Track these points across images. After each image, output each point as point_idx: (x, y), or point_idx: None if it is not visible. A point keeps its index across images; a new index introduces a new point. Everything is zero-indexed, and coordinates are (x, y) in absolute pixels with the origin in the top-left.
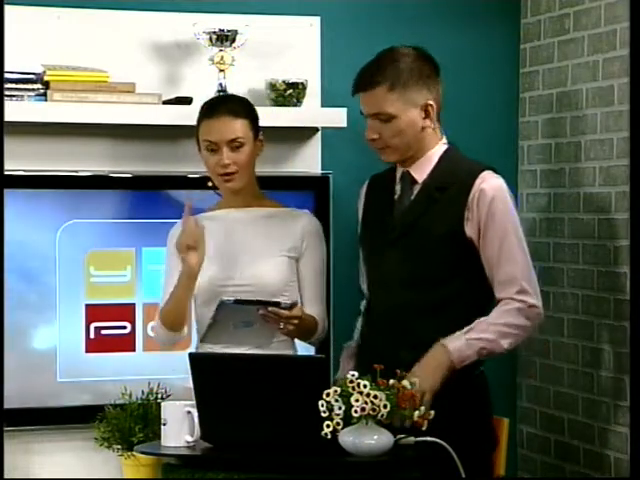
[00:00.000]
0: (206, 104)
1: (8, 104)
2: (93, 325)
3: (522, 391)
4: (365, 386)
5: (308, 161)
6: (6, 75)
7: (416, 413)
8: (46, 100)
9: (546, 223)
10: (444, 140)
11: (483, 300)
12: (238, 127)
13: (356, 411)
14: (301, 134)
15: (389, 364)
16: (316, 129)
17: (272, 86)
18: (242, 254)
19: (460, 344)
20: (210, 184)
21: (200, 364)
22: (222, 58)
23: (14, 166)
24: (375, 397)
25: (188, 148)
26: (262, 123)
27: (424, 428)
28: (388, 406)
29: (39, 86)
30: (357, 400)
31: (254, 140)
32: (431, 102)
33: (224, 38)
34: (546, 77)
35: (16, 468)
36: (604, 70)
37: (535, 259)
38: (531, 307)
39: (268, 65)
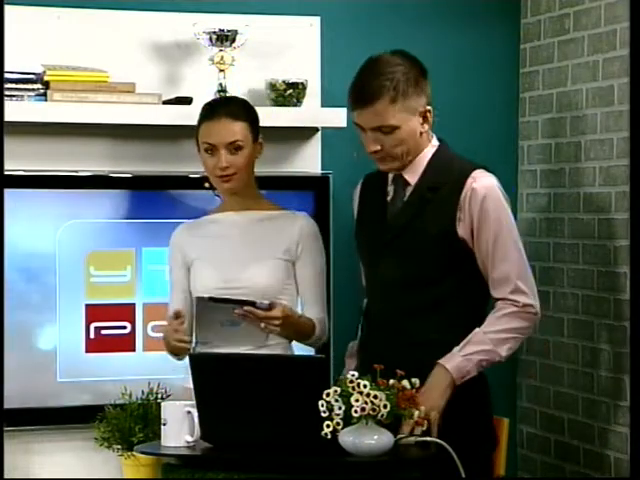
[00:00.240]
0: (206, 105)
1: (8, 104)
2: (93, 325)
3: (522, 391)
4: (365, 386)
5: (308, 161)
6: (6, 75)
7: (416, 413)
8: (46, 100)
9: (546, 223)
10: (434, 140)
11: (477, 299)
12: (237, 130)
13: (356, 411)
14: (301, 134)
15: (386, 364)
16: (316, 129)
17: (272, 86)
18: (238, 258)
19: (458, 362)
20: (207, 185)
21: (200, 364)
22: (222, 58)
23: (14, 166)
24: (375, 397)
25: (188, 148)
26: (262, 123)
27: (424, 428)
28: (388, 406)
29: (39, 86)
30: (357, 400)
31: (253, 143)
32: (429, 108)
33: (224, 38)
34: (546, 77)
35: (16, 468)
36: (604, 70)
37: (535, 259)
38: (525, 306)
39: (268, 65)
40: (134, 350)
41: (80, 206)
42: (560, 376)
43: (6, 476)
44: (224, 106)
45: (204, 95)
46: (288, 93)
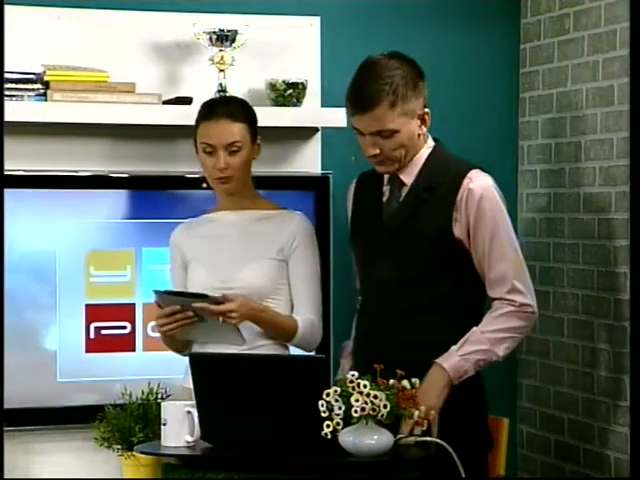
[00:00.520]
0: (205, 105)
1: (8, 104)
2: (93, 325)
3: (522, 391)
4: (365, 386)
5: (308, 161)
6: (6, 75)
7: (416, 413)
8: (46, 100)
9: (546, 223)
10: (430, 140)
11: (474, 299)
12: (236, 131)
13: (356, 411)
14: (301, 134)
15: (383, 364)
16: (316, 129)
17: (272, 86)
18: (233, 258)
19: (455, 361)
20: (205, 185)
21: (200, 364)
22: (222, 58)
23: (14, 166)
24: (375, 397)
25: (188, 148)
26: (262, 123)
27: (424, 428)
28: (388, 406)
29: (39, 86)
30: (357, 400)
31: (252, 144)
32: (427, 110)
33: (224, 38)
34: (546, 77)
35: (16, 468)
36: (604, 70)
37: (535, 259)
38: (523, 306)
39: (268, 65)
40: (134, 350)
41: (80, 206)
42: (560, 376)
43: (6, 476)
44: (223, 106)
45: (204, 95)
46: (288, 93)
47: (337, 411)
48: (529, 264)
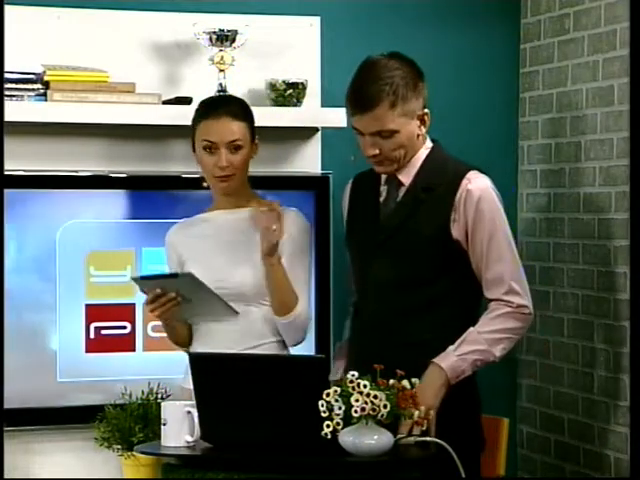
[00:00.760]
0: (205, 104)
1: (8, 104)
2: (93, 325)
3: (522, 391)
4: (365, 386)
5: (308, 161)
6: (6, 75)
7: (416, 413)
8: (46, 100)
9: (546, 223)
10: (428, 141)
11: (471, 299)
12: (237, 129)
13: (356, 411)
14: (301, 134)
15: (379, 364)
16: (316, 129)
17: (272, 86)
18: (227, 257)
19: (453, 361)
20: (206, 184)
21: (200, 364)
22: (222, 58)
23: (14, 166)
24: (375, 397)
25: (188, 148)
26: (262, 123)
27: (424, 428)
28: (388, 406)
29: (39, 86)
30: (357, 400)
31: (251, 143)
32: (427, 111)
33: (224, 38)
34: (546, 77)
35: (16, 468)
36: (604, 70)
37: (535, 259)
38: (520, 307)
39: (268, 65)
40: (134, 350)
41: (80, 206)
42: (560, 376)
43: (6, 476)
44: (224, 105)
45: (204, 95)
46: (288, 93)
47: (337, 411)
48: (529, 264)
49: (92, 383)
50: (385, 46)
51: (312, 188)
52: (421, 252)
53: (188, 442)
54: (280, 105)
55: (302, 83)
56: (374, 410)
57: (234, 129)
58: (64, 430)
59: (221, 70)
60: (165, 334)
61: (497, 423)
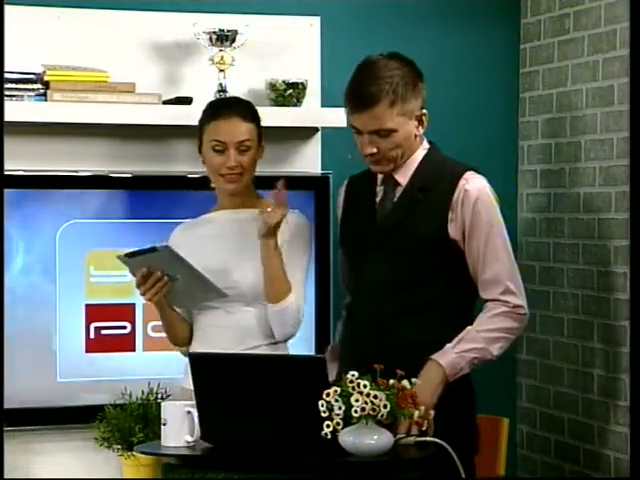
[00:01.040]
0: (214, 105)
1: (8, 104)
2: (93, 325)
3: (522, 391)
4: (365, 386)
5: (308, 161)
6: (6, 75)
7: (416, 413)
8: (46, 100)
9: (546, 223)
10: (425, 142)
11: (467, 299)
12: (247, 130)
13: (356, 411)
14: (301, 134)
15: (374, 365)
16: (316, 129)
17: (272, 86)
18: (229, 258)
19: (451, 358)
20: (213, 185)
21: (200, 364)
22: (222, 58)
23: (14, 166)
24: (375, 397)
25: (188, 148)
26: (262, 123)
27: (424, 428)
28: (388, 406)
29: (39, 86)
30: (357, 400)
31: (258, 145)
32: (425, 112)
33: (224, 38)
34: (546, 77)
35: (16, 468)
36: (604, 70)
37: (535, 259)
38: (516, 307)
39: (268, 65)
40: (134, 350)
41: (80, 206)
42: (560, 376)
43: (6, 476)
44: (234, 106)
45: (204, 95)
46: (288, 93)
47: (337, 411)
48: (529, 264)
49: (92, 383)
50: (385, 46)
51: (312, 188)
52: (418, 252)
53: (188, 442)
54: (280, 105)
55: (302, 83)
56: (374, 410)
57: (244, 130)
58: (64, 430)
59: (221, 70)
60: (165, 334)
61: (497, 423)
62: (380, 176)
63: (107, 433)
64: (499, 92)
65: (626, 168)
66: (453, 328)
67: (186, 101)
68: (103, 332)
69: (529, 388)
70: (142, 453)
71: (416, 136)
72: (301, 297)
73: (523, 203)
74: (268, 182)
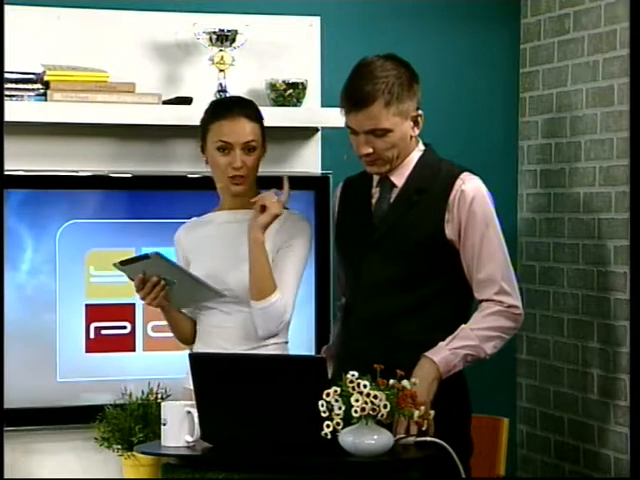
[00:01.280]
0: (218, 105)
1: (8, 104)
2: (93, 325)
3: (522, 391)
4: (365, 386)
5: (308, 161)
6: (6, 75)
7: (416, 413)
8: (46, 100)
9: (546, 223)
10: (420, 144)
11: (464, 299)
12: (252, 130)
13: (356, 411)
14: (301, 134)
15: (373, 364)
16: (316, 129)
17: (272, 86)
18: (229, 257)
19: (445, 355)
20: (220, 185)
21: (200, 364)
22: (222, 58)
23: (14, 166)
24: (375, 397)
25: (188, 148)
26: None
27: (424, 428)
28: (388, 406)
29: (39, 86)
30: (357, 400)
31: (262, 145)
32: (420, 113)
33: (224, 38)
34: (546, 77)
35: (16, 468)
36: (604, 70)
37: (535, 259)
38: (510, 307)
39: (268, 65)
40: (134, 350)
41: (80, 206)
42: (560, 376)
43: (6, 476)
44: (240, 106)
45: (204, 95)
46: (288, 93)
47: (337, 411)
48: (529, 264)
49: (92, 383)
50: (385, 46)
51: (312, 188)
52: (415, 252)
53: (188, 442)
54: (280, 105)
55: (302, 83)
56: (374, 410)
57: (249, 130)
58: (64, 430)
59: (221, 70)
60: (165, 334)
61: (497, 423)
62: (376, 178)
63: (107, 433)
64: (499, 92)
65: (626, 168)
66: (449, 328)
67: (186, 101)
68: (103, 332)
69: (529, 388)
70: (142, 453)
71: (412, 137)
72: (290, 298)
73: (523, 203)
74: (268, 182)
